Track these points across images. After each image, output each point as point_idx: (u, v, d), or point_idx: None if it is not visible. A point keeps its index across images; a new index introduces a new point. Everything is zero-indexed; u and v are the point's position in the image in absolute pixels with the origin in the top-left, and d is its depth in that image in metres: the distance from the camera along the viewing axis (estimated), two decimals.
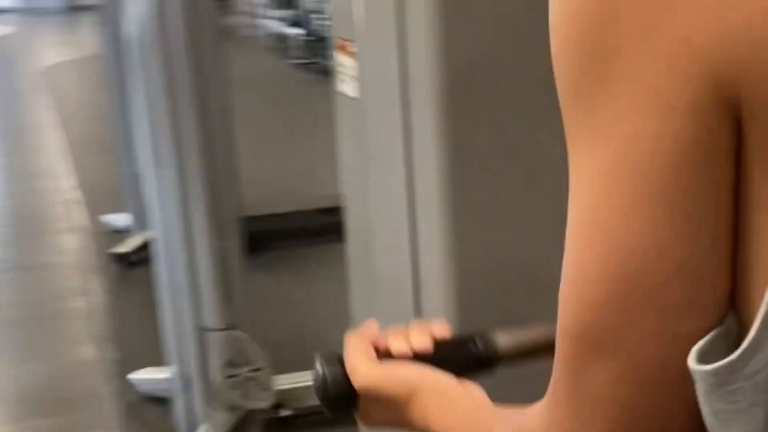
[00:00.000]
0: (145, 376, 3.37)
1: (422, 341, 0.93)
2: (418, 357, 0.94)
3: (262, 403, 2.98)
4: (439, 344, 0.95)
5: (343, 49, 1.71)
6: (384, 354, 0.94)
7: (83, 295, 4.40)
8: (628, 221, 0.55)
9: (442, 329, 0.95)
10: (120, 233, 4.79)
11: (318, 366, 0.97)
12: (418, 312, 1.70)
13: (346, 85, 1.69)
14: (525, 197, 1.65)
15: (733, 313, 0.57)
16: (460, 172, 1.57)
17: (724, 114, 0.52)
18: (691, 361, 0.55)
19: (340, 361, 0.96)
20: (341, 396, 0.95)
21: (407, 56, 1.61)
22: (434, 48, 1.58)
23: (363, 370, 0.92)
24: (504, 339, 0.99)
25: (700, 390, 0.55)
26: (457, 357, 0.96)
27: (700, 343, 0.55)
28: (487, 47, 1.60)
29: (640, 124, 0.53)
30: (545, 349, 0.92)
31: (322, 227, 4.29)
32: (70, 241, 5.22)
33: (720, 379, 0.54)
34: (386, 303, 1.75)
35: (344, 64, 1.70)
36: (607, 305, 0.57)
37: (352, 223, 1.85)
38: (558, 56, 0.57)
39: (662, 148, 0.53)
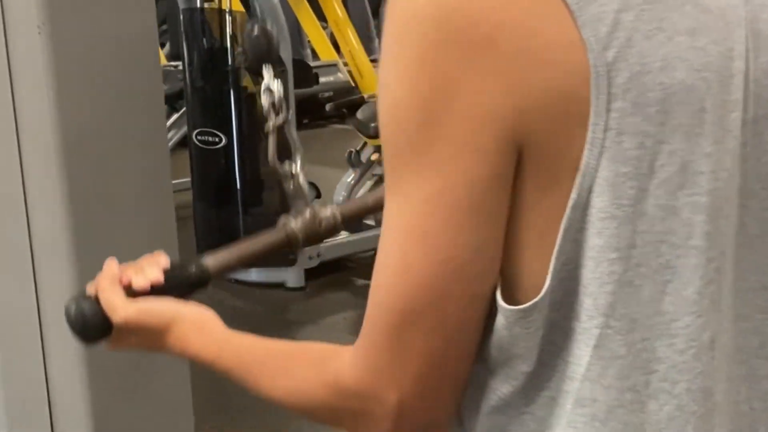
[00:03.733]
0: None
1: (154, 274, 1.14)
2: (153, 287, 1.13)
3: None
4: (165, 273, 1.15)
5: None
6: (126, 288, 1.13)
7: None
8: (446, 227, 0.80)
9: (164, 260, 1.17)
10: None
11: (73, 304, 1.14)
12: None
13: None
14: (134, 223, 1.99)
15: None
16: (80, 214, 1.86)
17: (512, 155, 0.79)
18: (501, 302, 0.82)
19: (91, 299, 1.13)
20: (100, 329, 1.13)
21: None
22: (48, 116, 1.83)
23: (120, 306, 1.11)
24: (211, 261, 1.20)
25: (503, 322, 0.82)
26: (179, 283, 1.16)
27: (498, 294, 0.82)
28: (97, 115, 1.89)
29: (460, 165, 0.79)
30: (248, 260, 1.26)
31: None
32: None
33: (523, 314, 0.81)
34: None
35: None
36: (429, 285, 0.81)
37: None
38: (393, 121, 0.81)
39: (473, 178, 0.79)
